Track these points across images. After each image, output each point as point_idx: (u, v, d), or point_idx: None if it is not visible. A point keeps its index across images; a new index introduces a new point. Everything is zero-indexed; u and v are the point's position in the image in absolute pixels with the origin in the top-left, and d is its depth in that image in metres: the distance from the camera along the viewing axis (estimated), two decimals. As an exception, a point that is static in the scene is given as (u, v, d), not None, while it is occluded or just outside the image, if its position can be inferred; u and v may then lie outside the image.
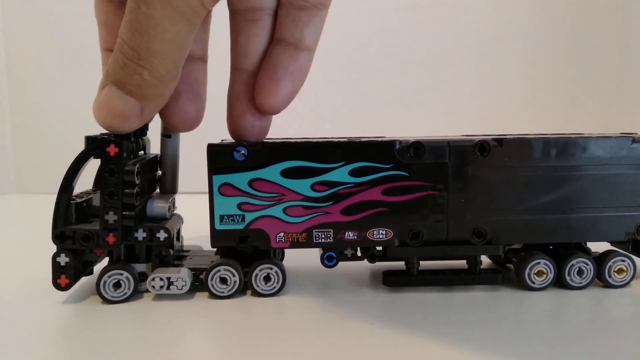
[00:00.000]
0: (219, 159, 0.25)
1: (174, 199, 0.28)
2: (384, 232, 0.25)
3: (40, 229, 0.37)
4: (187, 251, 0.29)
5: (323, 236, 0.25)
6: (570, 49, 0.71)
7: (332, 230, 0.25)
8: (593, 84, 0.71)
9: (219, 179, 0.25)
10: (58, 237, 0.24)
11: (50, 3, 0.60)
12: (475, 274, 0.26)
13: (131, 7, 0.21)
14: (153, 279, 0.25)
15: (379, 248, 0.26)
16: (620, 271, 0.26)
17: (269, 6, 0.25)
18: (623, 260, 0.26)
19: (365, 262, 0.27)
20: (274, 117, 0.26)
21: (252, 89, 0.25)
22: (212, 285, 0.25)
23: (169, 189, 0.28)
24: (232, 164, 0.25)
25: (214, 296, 0.25)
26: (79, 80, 0.60)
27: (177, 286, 0.25)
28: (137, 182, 0.24)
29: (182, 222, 0.28)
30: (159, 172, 0.28)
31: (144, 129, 0.26)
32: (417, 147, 0.25)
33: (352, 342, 0.21)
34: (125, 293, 0.25)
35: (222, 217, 0.25)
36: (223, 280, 0.25)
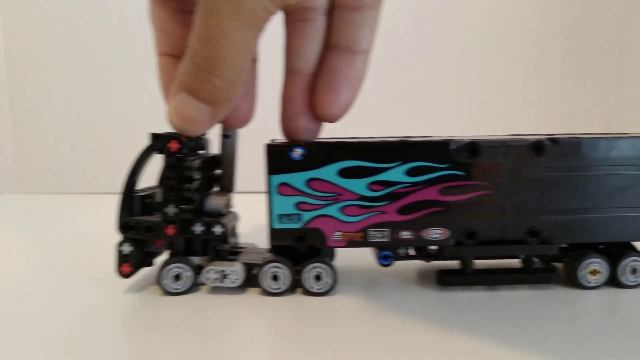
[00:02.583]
0: (277, 159, 0.25)
1: (231, 197, 0.29)
2: (439, 232, 0.25)
3: (40, 229, 0.41)
4: (242, 247, 0.29)
5: (379, 235, 0.25)
6: (570, 49, 0.71)
7: (388, 229, 0.25)
8: (593, 84, 0.70)
9: (277, 179, 0.25)
10: (122, 227, 0.26)
11: (50, 3, 0.59)
12: (530, 273, 0.26)
13: (201, 20, 0.22)
14: (208, 272, 0.26)
15: (434, 247, 0.26)
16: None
17: (321, 5, 0.25)
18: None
19: (407, 262, 0.27)
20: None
21: (306, 92, 0.25)
22: (264, 281, 0.26)
23: (227, 187, 0.29)
24: (290, 163, 0.25)
25: (265, 292, 0.26)
26: (79, 80, 0.61)
27: (230, 279, 0.26)
28: (196, 177, 0.25)
29: (238, 220, 0.29)
30: (218, 171, 0.29)
31: None
32: (473, 147, 0.25)
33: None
34: (184, 285, 0.26)
35: (280, 216, 0.25)
36: (274, 278, 0.26)
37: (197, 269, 0.27)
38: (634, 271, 0.26)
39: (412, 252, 0.27)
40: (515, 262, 0.27)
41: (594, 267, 0.26)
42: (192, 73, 0.23)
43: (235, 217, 0.29)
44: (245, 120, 0.26)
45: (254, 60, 0.27)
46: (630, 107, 0.69)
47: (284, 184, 0.25)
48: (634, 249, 0.27)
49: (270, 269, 0.26)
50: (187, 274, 0.26)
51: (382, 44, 0.63)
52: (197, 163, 0.26)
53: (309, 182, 0.25)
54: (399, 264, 0.28)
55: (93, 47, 0.60)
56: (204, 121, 0.24)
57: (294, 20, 0.26)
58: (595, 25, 0.70)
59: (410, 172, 0.25)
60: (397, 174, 0.25)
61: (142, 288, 0.27)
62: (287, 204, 0.25)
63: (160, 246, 0.27)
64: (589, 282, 0.26)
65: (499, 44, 0.70)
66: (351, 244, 0.25)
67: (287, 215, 0.25)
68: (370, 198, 0.25)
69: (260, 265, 0.26)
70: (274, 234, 0.25)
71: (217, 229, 0.26)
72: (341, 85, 0.25)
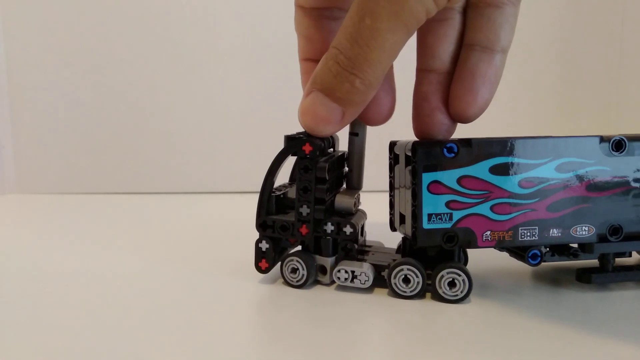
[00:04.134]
0: (429, 156, 0.24)
1: (359, 194, 0.28)
2: (586, 229, 0.25)
3: (41, 229, 0.41)
4: (370, 246, 0.29)
5: (528, 234, 0.25)
6: (570, 49, 0.71)
7: (537, 227, 0.25)
8: (593, 84, 0.71)
9: (428, 177, 0.24)
10: (260, 225, 0.27)
11: (50, 3, 0.59)
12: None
13: (354, 20, 0.21)
14: (339, 271, 0.26)
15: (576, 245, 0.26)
16: None
17: (459, 4, 0.25)
18: None
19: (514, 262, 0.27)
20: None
21: (441, 90, 0.25)
22: (395, 283, 0.25)
23: (355, 185, 0.28)
24: (441, 161, 0.24)
25: (394, 294, 0.25)
26: (79, 81, 0.60)
27: (360, 280, 0.26)
28: (328, 178, 0.25)
29: (366, 218, 0.28)
30: (346, 169, 0.28)
31: None
32: (619, 142, 0.25)
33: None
34: (301, 279, 0.27)
35: (429, 216, 0.24)
36: (406, 280, 0.25)
37: (322, 270, 0.27)
38: None
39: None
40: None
41: None
42: (332, 72, 0.22)
43: (363, 215, 0.28)
44: (386, 116, 0.26)
45: None
46: (631, 107, 0.69)
47: (435, 181, 0.24)
48: None
49: (402, 270, 0.25)
50: (305, 269, 0.26)
51: None
52: (329, 164, 0.25)
53: (461, 179, 0.24)
54: (514, 265, 0.28)
55: (93, 47, 0.59)
56: (334, 121, 0.23)
57: (430, 20, 0.25)
58: (596, 25, 0.70)
59: (560, 168, 0.25)
60: (547, 170, 0.24)
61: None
62: (438, 203, 0.24)
63: (293, 243, 0.28)
64: None
65: None
66: (501, 243, 0.25)
67: (438, 214, 0.24)
68: (521, 195, 0.24)
69: (390, 268, 0.25)
70: (423, 234, 0.24)
71: (348, 229, 0.26)
72: (481, 85, 0.24)
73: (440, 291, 0.25)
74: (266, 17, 0.57)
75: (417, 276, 0.25)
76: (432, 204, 0.24)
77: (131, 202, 0.54)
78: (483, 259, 0.30)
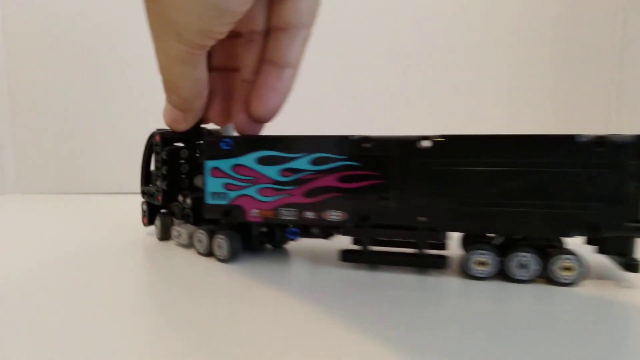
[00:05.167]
0: (211, 148, 0.31)
1: None
2: (338, 214, 0.29)
3: (41, 229, 0.42)
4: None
5: (287, 214, 0.30)
6: (570, 49, 0.69)
7: (295, 209, 0.30)
8: (593, 84, 0.69)
9: (210, 164, 0.31)
10: (142, 192, 0.39)
11: (50, 3, 0.60)
12: (422, 257, 0.29)
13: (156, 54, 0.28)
14: (174, 230, 0.36)
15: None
16: (566, 269, 0.26)
17: (261, 29, 0.31)
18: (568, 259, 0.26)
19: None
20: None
21: (245, 95, 0.31)
22: (198, 239, 0.32)
23: None
24: (220, 152, 0.31)
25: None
26: (79, 81, 0.61)
27: (180, 240, 0.33)
28: (166, 159, 0.35)
29: None
30: None
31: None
32: (366, 140, 0.28)
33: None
34: (159, 234, 0.37)
35: (212, 194, 0.31)
36: (200, 241, 0.33)
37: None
38: (521, 266, 0.27)
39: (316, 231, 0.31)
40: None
41: (482, 259, 0.27)
42: (164, 89, 0.30)
43: None
44: (222, 119, 0.33)
45: (237, 70, 0.33)
46: (631, 107, 0.67)
47: (215, 168, 0.31)
48: (528, 245, 0.28)
49: (197, 232, 0.32)
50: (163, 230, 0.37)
51: (382, 44, 0.67)
52: (167, 151, 0.35)
53: (234, 167, 0.31)
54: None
55: (93, 47, 0.60)
56: (179, 121, 0.31)
57: (244, 41, 0.32)
58: (595, 25, 0.68)
59: (314, 162, 0.29)
60: (303, 162, 0.29)
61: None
62: (217, 185, 0.31)
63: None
64: (477, 273, 0.27)
65: (498, 44, 0.70)
66: (266, 220, 0.30)
67: (218, 193, 0.31)
68: (281, 182, 0.30)
69: (194, 231, 0.33)
70: (207, 208, 0.32)
71: (189, 201, 0.35)
72: (271, 94, 0.30)
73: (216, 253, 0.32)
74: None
75: (205, 237, 0.33)
76: (214, 185, 0.31)
77: (130, 202, 0.51)
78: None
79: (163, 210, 0.38)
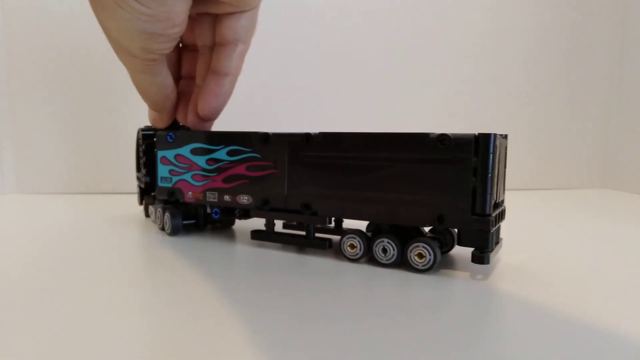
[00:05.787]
0: (160, 140, 0.38)
1: None
2: (246, 198, 0.34)
3: (41, 229, 0.41)
4: None
5: (212, 197, 0.36)
6: (570, 49, 0.68)
7: (217, 193, 0.35)
8: (593, 84, 0.68)
9: (160, 153, 0.38)
10: (136, 178, 0.44)
11: (50, 3, 0.59)
12: (309, 238, 0.33)
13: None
14: (148, 209, 0.41)
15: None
16: (420, 255, 0.29)
17: (208, 44, 0.37)
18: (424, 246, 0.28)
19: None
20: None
21: (196, 98, 0.38)
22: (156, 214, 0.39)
23: None
24: (166, 143, 0.38)
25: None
26: (79, 81, 0.61)
27: (151, 217, 0.40)
28: (143, 153, 0.41)
29: None
30: None
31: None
32: (266, 137, 0.33)
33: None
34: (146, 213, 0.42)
35: (161, 178, 0.38)
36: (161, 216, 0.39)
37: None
38: (384, 250, 0.30)
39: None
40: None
41: (352, 242, 0.31)
42: None
43: None
44: (189, 120, 0.40)
45: (192, 78, 0.40)
46: (631, 107, 0.66)
47: (163, 157, 0.38)
48: (388, 231, 0.30)
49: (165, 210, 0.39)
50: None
51: (382, 43, 0.69)
52: (146, 144, 0.41)
53: (176, 156, 0.37)
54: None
55: (93, 47, 0.59)
56: (160, 121, 0.38)
57: (199, 54, 0.38)
58: (596, 25, 0.67)
59: (230, 153, 0.35)
60: (221, 154, 0.35)
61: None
62: (165, 170, 0.38)
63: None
64: (349, 255, 0.31)
65: (498, 44, 0.69)
66: (197, 201, 0.37)
67: (165, 177, 0.38)
68: (207, 170, 0.36)
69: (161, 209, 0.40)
70: (158, 190, 0.39)
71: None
72: (211, 98, 0.36)
73: (163, 226, 0.39)
74: (266, 18, 0.70)
75: (160, 215, 0.40)
76: (163, 170, 0.38)
77: (130, 202, 0.53)
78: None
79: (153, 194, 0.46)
